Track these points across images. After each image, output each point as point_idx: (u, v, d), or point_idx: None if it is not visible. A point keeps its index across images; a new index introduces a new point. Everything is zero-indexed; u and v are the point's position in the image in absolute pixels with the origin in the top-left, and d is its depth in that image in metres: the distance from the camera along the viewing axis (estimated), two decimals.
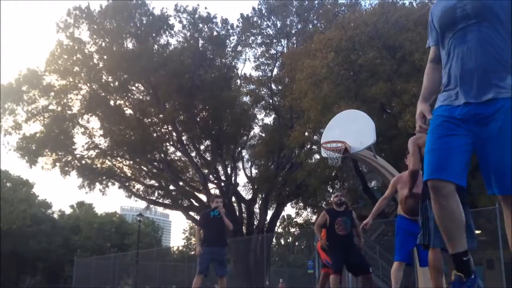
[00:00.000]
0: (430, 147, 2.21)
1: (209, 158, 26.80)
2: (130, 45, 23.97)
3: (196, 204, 26.29)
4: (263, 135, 26.66)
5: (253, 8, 25.27)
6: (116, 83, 24.02)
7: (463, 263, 2.24)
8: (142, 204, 29.49)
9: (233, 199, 26.31)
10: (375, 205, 6.06)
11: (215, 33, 24.93)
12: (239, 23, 25.61)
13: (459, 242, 2.23)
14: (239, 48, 26.04)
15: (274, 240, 31.90)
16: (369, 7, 20.30)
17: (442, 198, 2.14)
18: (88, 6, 23.44)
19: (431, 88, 2.48)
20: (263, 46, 25.35)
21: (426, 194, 4.46)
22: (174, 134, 25.69)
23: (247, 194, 27.18)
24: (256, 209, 26.68)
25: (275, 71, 25.24)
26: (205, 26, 24.77)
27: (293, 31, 24.79)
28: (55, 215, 46.21)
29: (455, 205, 2.16)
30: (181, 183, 26.33)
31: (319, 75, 15.50)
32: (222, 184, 26.03)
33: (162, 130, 25.97)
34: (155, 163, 26.14)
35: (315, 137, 19.26)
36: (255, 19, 25.21)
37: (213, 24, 25.01)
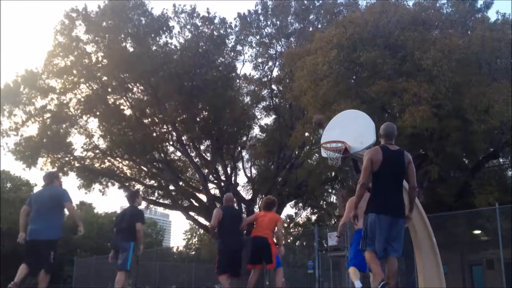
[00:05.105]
0: None
1: (209, 158, 26.77)
2: (129, 46, 23.91)
3: (196, 204, 26.28)
4: (263, 135, 26.61)
5: (256, 5, 25.22)
6: (116, 83, 23.95)
7: None
8: (142, 204, 29.45)
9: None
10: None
11: (214, 32, 24.88)
12: (236, 22, 25.63)
13: None
14: (238, 47, 26.03)
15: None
16: (369, 5, 20.27)
17: None
18: (85, 7, 23.34)
19: None
20: (261, 45, 25.30)
21: (369, 208, 4.84)
22: (174, 134, 25.66)
23: (247, 194, 27.18)
24: (256, 209, 26.63)
25: (276, 71, 25.23)
26: (205, 26, 24.73)
27: (290, 31, 24.72)
28: None
29: None
30: (181, 183, 26.30)
31: (321, 71, 15.47)
32: (222, 184, 26.00)
33: (162, 130, 25.93)
34: (155, 163, 26.10)
35: (315, 136, 19.23)
36: (253, 17, 25.16)
37: (212, 24, 24.98)
